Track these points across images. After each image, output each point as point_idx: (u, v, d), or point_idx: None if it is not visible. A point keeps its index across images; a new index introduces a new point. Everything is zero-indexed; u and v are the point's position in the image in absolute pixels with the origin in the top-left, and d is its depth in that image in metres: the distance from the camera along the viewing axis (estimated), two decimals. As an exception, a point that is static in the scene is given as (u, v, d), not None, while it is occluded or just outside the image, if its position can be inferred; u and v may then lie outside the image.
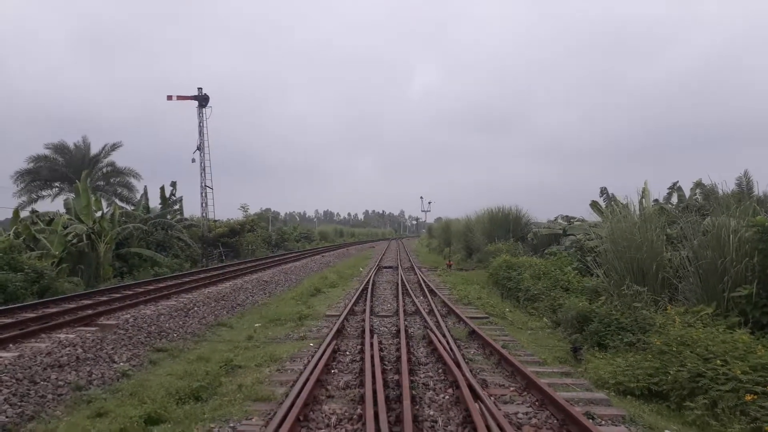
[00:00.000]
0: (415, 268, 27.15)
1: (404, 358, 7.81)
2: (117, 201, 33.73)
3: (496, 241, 27.01)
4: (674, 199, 19.73)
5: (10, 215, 22.97)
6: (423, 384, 7.13)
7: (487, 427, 5.26)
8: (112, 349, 9.06)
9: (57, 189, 34.95)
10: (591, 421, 5.72)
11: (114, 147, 36.18)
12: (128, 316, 11.34)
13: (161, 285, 16.96)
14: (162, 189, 33.13)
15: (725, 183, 13.22)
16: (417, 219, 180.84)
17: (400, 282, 18.98)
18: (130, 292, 15.10)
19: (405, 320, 11.67)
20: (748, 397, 5.89)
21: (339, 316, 12.39)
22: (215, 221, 36.92)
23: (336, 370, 7.97)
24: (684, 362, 6.93)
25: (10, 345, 8.63)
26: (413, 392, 6.57)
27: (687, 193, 19.40)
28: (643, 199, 15.68)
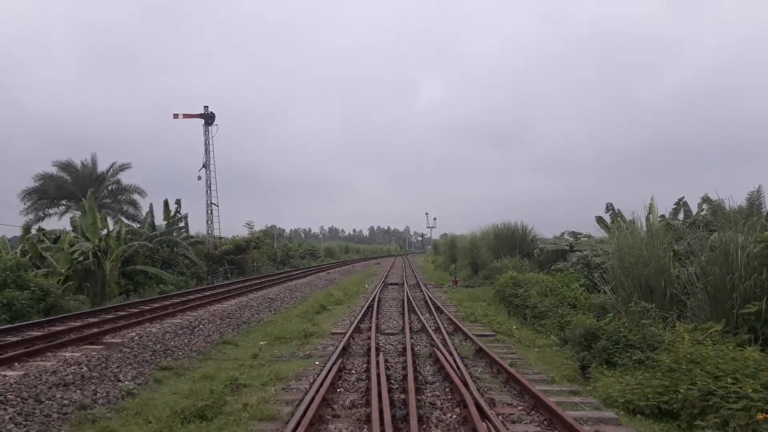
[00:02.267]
0: (421, 284, 27.07)
1: (411, 376, 7.75)
2: (123, 218, 33.86)
3: (502, 258, 26.93)
4: (681, 216, 19.63)
5: (17, 233, 23.16)
6: (430, 403, 7.07)
7: (495, 447, 5.20)
8: (118, 367, 9.04)
9: (64, 207, 35.22)
10: (600, 440, 5.64)
11: (122, 167, 36.57)
12: (133, 334, 11.33)
13: (167, 303, 16.97)
14: (165, 203, 33.22)
15: (731, 198, 13.05)
16: (422, 235, 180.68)
17: (405, 299, 18.92)
18: (136, 310, 15.11)
19: (411, 338, 11.61)
20: (760, 416, 5.79)
21: (344, 333, 12.34)
22: (221, 238, 37.02)
23: (342, 389, 7.91)
24: (694, 380, 6.83)
25: (16, 363, 8.62)
26: (420, 411, 6.52)
27: (694, 209, 19.31)
28: (650, 215, 15.60)
